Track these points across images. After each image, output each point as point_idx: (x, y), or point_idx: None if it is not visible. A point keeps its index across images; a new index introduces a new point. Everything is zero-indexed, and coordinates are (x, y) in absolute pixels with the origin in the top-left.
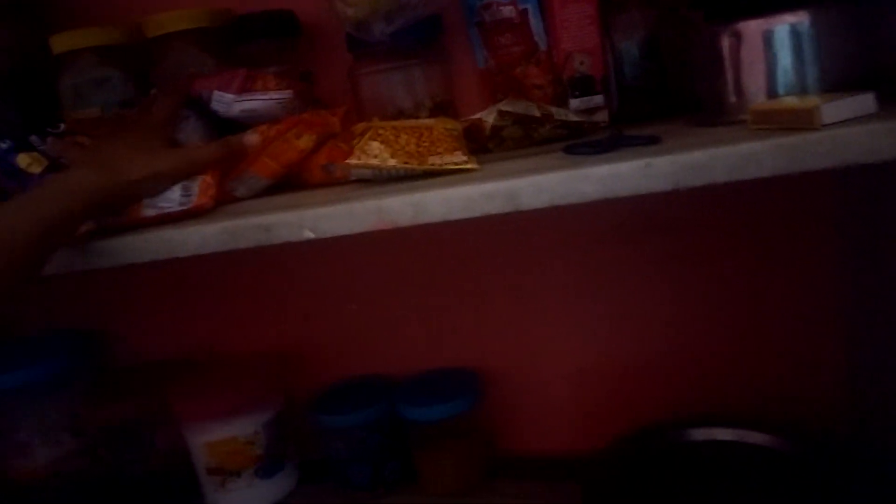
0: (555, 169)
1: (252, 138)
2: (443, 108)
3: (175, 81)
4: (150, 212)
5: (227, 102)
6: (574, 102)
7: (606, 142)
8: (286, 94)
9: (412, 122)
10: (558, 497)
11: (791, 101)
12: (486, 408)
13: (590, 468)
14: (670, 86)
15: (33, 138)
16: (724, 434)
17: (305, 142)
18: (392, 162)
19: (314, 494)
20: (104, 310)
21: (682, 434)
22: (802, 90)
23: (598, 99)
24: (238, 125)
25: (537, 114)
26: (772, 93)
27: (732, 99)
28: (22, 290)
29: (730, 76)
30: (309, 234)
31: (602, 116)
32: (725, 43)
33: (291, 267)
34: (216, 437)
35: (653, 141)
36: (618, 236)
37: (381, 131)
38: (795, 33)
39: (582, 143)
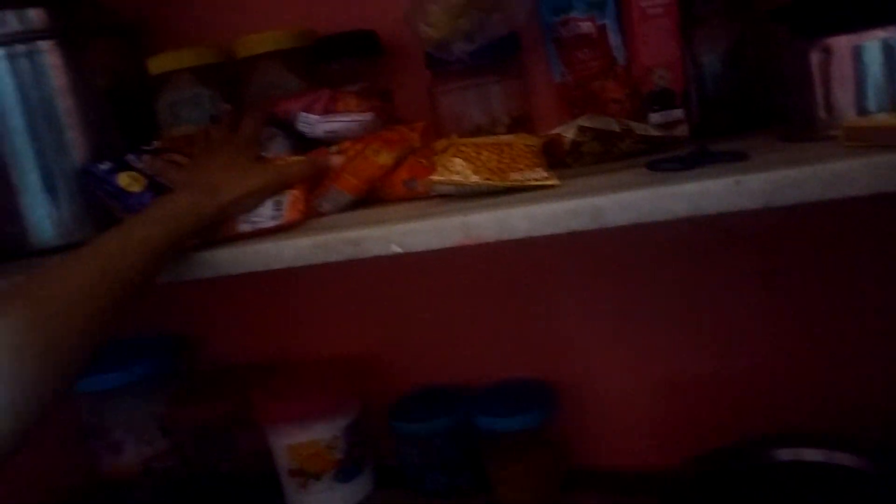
0: (640, 186)
1: (336, 159)
2: (520, 123)
3: (259, 101)
4: (245, 227)
5: (311, 123)
6: (654, 117)
7: (691, 157)
8: (367, 115)
9: (493, 138)
10: None
11: (886, 118)
12: (562, 420)
13: (669, 485)
14: (753, 99)
15: (130, 157)
16: (811, 455)
17: (385, 158)
18: (474, 178)
19: (390, 500)
20: (192, 316)
21: (767, 454)
22: (894, 107)
23: (678, 113)
24: (321, 143)
25: (617, 129)
26: (862, 109)
27: (821, 114)
28: (133, 305)
29: (819, 91)
30: (396, 249)
31: (682, 130)
32: (814, 58)
33: (371, 276)
34: (298, 440)
35: (740, 157)
36: (701, 250)
37: (462, 148)
38: (888, 48)
39: (665, 158)
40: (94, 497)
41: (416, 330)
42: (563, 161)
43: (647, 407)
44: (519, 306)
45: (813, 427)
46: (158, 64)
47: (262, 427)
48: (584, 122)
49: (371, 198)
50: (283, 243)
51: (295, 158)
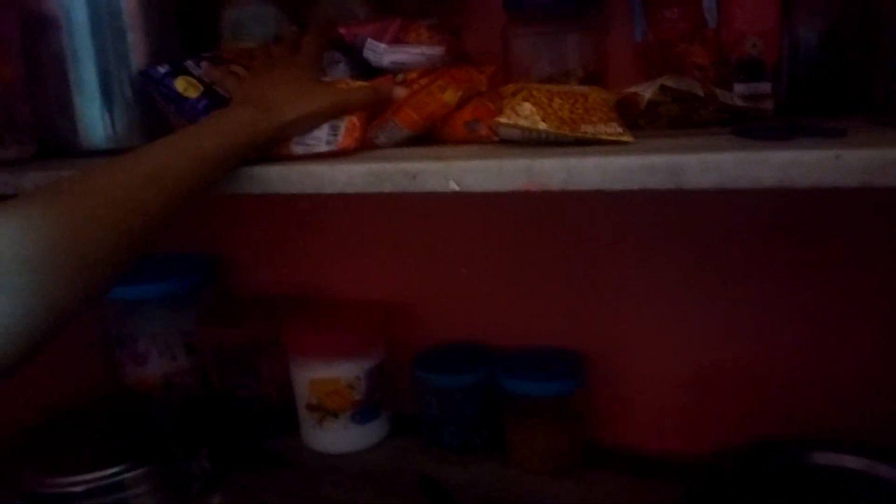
0: (726, 149)
1: (400, 91)
2: (593, 78)
3: (324, 21)
4: (298, 149)
5: (378, 52)
6: (739, 87)
7: (784, 128)
8: (437, 49)
9: (567, 87)
10: (654, 497)
11: None
12: (588, 393)
13: (696, 474)
14: (846, 82)
15: (189, 63)
16: (851, 462)
17: (450, 96)
18: (543, 125)
19: (404, 447)
20: (229, 237)
21: (804, 455)
22: None
23: (766, 86)
24: (386, 73)
25: (701, 93)
26: None
27: None
28: (180, 218)
29: None
30: (454, 186)
31: (768, 105)
32: None
33: (409, 219)
34: (320, 375)
35: (838, 133)
36: (753, 234)
37: (534, 93)
38: None
39: (756, 126)
40: (115, 407)
41: (451, 282)
42: (635, 122)
43: (677, 391)
44: (559, 271)
45: (854, 433)
46: None
47: (287, 358)
48: (667, 81)
49: (429, 137)
50: (337, 167)
51: (357, 83)
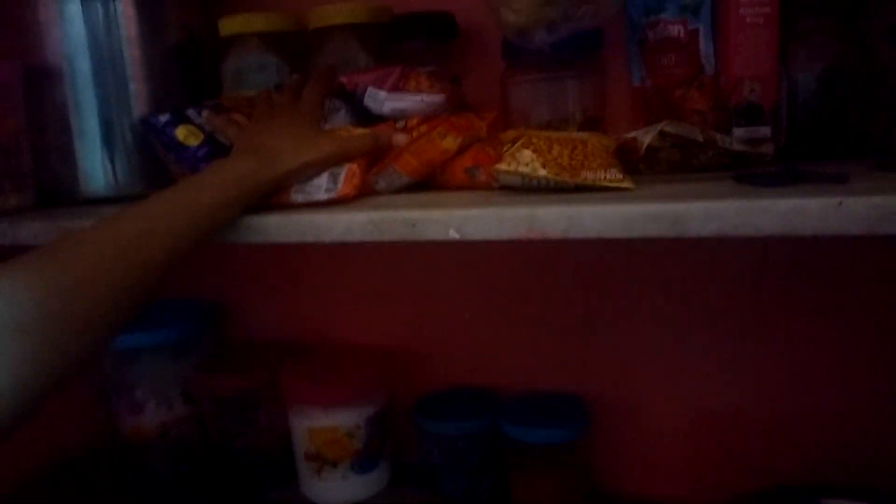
0: (727, 197)
1: (400, 138)
2: (593, 123)
3: (324, 68)
4: (298, 197)
5: (379, 99)
6: (738, 132)
7: (784, 174)
8: (438, 97)
9: (566, 133)
10: None
11: None
12: (592, 440)
13: None
14: (845, 126)
15: (190, 111)
16: None
17: (449, 143)
18: (543, 172)
19: (405, 497)
20: (228, 284)
21: (814, 502)
22: None
23: (765, 130)
24: (387, 120)
25: (700, 138)
26: None
27: None
28: (175, 272)
29: None
30: (454, 235)
31: (767, 149)
32: None
33: (408, 266)
34: (319, 424)
35: (840, 179)
36: (756, 278)
37: (534, 140)
38: None
39: (756, 173)
40: (112, 458)
41: (453, 327)
42: (635, 167)
43: (683, 437)
44: (563, 316)
45: (864, 479)
46: (229, 25)
47: (285, 406)
48: (666, 127)
49: (428, 183)
50: (337, 216)
51: (358, 131)
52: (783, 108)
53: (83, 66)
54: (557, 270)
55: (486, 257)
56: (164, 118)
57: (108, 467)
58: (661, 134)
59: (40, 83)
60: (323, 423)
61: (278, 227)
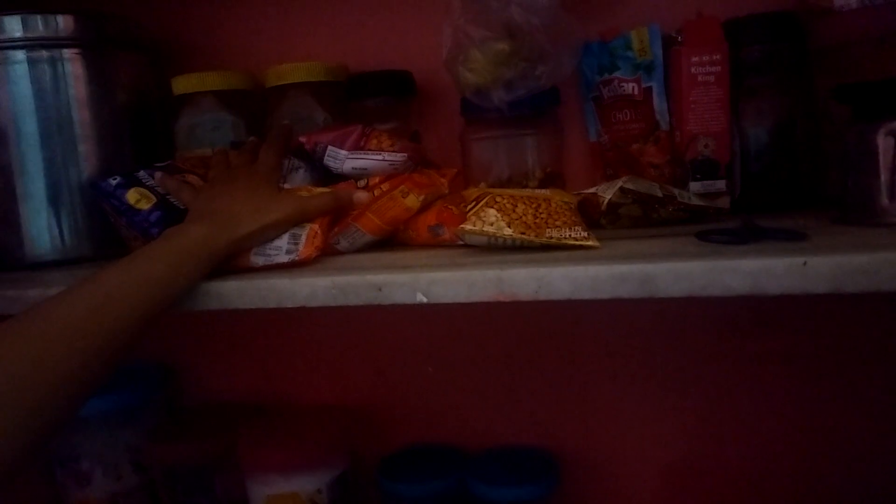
0: (694, 257)
1: (361, 196)
2: (552, 179)
3: (281, 128)
4: (258, 260)
5: (340, 158)
6: (695, 185)
7: (744, 232)
8: (400, 156)
9: (528, 191)
10: None
11: None
12: (563, 496)
13: None
14: (798, 178)
15: (141, 173)
16: None
17: (412, 201)
18: (508, 231)
19: None
20: (179, 346)
21: None
22: None
23: (721, 184)
24: (347, 179)
25: (659, 194)
26: None
27: (884, 201)
28: (139, 341)
29: (884, 177)
30: (422, 299)
31: (724, 203)
32: (880, 142)
33: (368, 322)
34: (279, 490)
35: (799, 236)
36: (725, 329)
37: (497, 198)
38: None
39: (716, 230)
40: None
41: (416, 383)
42: (596, 222)
43: (654, 489)
44: (526, 370)
45: None
46: (182, 84)
47: (243, 474)
48: (626, 184)
49: (391, 240)
50: (300, 280)
51: (318, 190)
52: (737, 162)
53: (30, 127)
54: (522, 326)
55: (450, 313)
56: (114, 181)
57: None
58: (622, 190)
59: None
60: (283, 489)
61: (238, 292)
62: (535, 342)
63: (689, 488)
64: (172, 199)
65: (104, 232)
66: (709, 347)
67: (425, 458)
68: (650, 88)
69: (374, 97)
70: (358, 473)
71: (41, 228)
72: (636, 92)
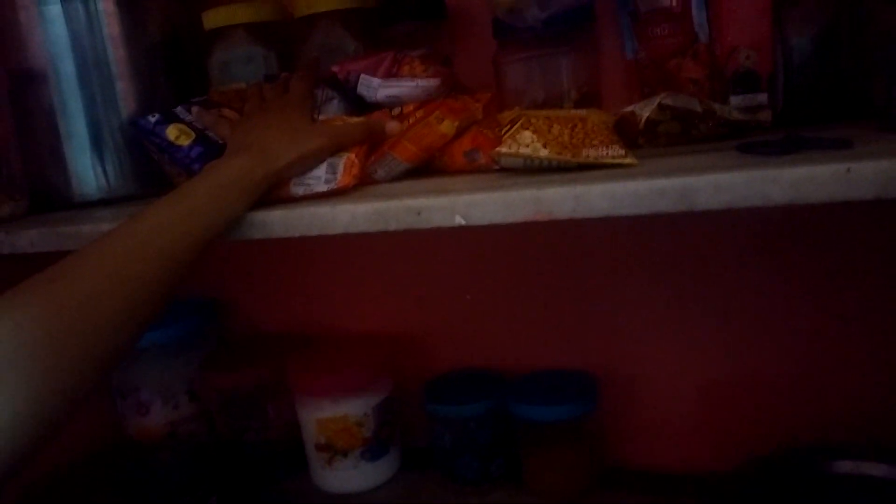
0: (734, 168)
1: (393, 126)
2: (588, 99)
3: (309, 60)
4: (298, 190)
5: (373, 87)
6: (735, 100)
7: (787, 142)
8: (433, 81)
9: (565, 112)
10: None
11: None
12: (602, 414)
13: (719, 490)
14: (844, 88)
15: (179, 109)
16: (873, 469)
17: (447, 127)
18: (544, 152)
19: (417, 482)
20: (229, 280)
21: (825, 464)
22: None
23: (762, 97)
24: (381, 107)
25: (699, 109)
26: None
27: None
28: (181, 282)
29: None
30: (461, 221)
31: (765, 116)
32: None
33: (408, 251)
34: (328, 414)
35: (844, 144)
36: (760, 247)
37: (533, 120)
38: None
39: (758, 142)
40: (119, 458)
41: (456, 310)
42: (634, 141)
43: (693, 408)
44: (566, 293)
45: (876, 439)
46: (213, 18)
47: (293, 398)
48: (665, 99)
49: (427, 168)
50: (340, 208)
51: (352, 120)
52: (780, 73)
53: (67, 68)
54: (559, 248)
55: (487, 239)
56: (153, 119)
57: (117, 469)
58: (660, 106)
59: (25, 88)
60: (332, 413)
61: (282, 222)
62: (572, 266)
63: (727, 403)
64: (210, 134)
65: (148, 170)
66: (745, 267)
67: (467, 381)
68: (688, 0)
69: (401, 23)
70: (403, 398)
71: (86, 168)
72: (674, 4)
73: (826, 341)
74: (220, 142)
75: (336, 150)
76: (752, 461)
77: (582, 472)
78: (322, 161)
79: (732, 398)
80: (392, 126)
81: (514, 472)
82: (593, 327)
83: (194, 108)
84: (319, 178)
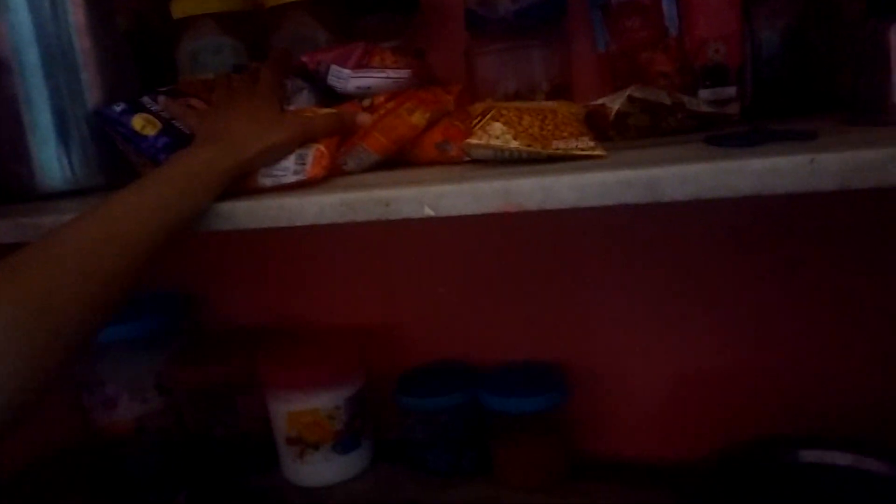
0: (701, 160)
1: (364, 118)
2: (559, 91)
3: (279, 51)
4: (266, 181)
5: (343, 78)
6: (704, 93)
7: (754, 134)
8: (404, 73)
9: (535, 103)
10: None
11: None
12: (572, 406)
13: (687, 479)
14: (811, 82)
15: (145, 99)
16: (838, 458)
17: (418, 118)
18: (514, 144)
19: (389, 475)
20: (197, 273)
21: (791, 454)
22: None
23: (731, 91)
24: (352, 99)
25: (668, 102)
26: None
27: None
28: (146, 271)
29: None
30: (429, 212)
31: (734, 109)
32: (893, 38)
33: (381, 243)
34: (298, 407)
35: (809, 136)
36: (729, 238)
37: (503, 111)
38: None
39: (726, 134)
40: (87, 454)
41: (427, 302)
42: (604, 133)
43: (662, 398)
44: (537, 285)
45: (840, 429)
46: (181, 7)
47: (263, 392)
48: (634, 92)
49: (398, 160)
50: (308, 199)
51: (322, 111)
52: (748, 67)
53: (31, 57)
54: (530, 241)
55: (457, 231)
56: (118, 108)
57: (84, 465)
58: (630, 99)
59: None
60: (302, 406)
61: (248, 213)
62: (542, 259)
63: (698, 395)
64: (178, 124)
65: (114, 161)
66: (715, 257)
67: (439, 374)
68: None
69: (373, 14)
70: (374, 390)
71: (50, 159)
72: None
73: (798, 331)
74: (188, 132)
75: (305, 140)
76: (717, 451)
77: (553, 463)
78: (291, 152)
79: (703, 388)
80: (363, 118)
81: (486, 464)
82: (564, 319)
83: (161, 98)
84: (288, 170)
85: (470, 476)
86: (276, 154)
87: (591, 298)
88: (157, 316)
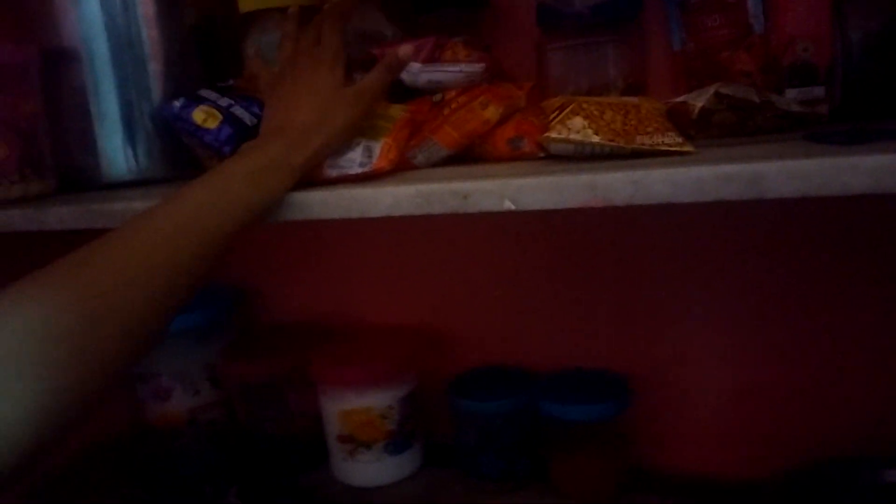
0: (806, 156)
1: (406, 48)
2: (634, 90)
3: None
4: (331, 172)
5: (414, 72)
6: (791, 92)
7: (859, 132)
8: (478, 66)
9: (616, 98)
10: None
11: None
12: (633, 416)
13: (750, 497)
14: None
15: (204, 92)
16: None
17: (491, 113)
18: (596, 138)
19: (440, 478)
20: (254, 268)
21: (873, 473)
22: None
23: (819, 91)
24: (422, 93)
25: (757, 100)
26: None
27: None
28: (219, 262)
29: None
30: (510, 206)
31: (822, 109)
32: None
33: (439, 243)
34: (351, 406)
35: None
36: (806, 246)
37: (584, 105)
38: None
39: (829, 131)
40: (139, 444)
41: (485, 304)
42: (685, 132)
43: (726, 411)
44: (599, 290)
45: None
46: (248, 1)
47: (316, 389)
48: (722, 88)
49: (466, 155)
50: (383, 189)
51: (393, 107)
52: (838, 67)
53: (100, 48)
54: (592, 245)
55: (518, 232)
56: (178, 103)
57: (136, 456)
58: (717, 95)
59: (57, 67)
60: (355, 404)
61: (321, 203)
62: (605, 263)
63: (762, 409)
64: (237, 112)
65: (178, 152)
66: (792, 268)
67: (494, 378)
68: None
69: (441, 9)
70: (427, 392)
71: (116, 149)
72: None
73: (871, 348)
74: (248, 122)
75: (365, 113)
76: (795, 470)
77: (611, 475)
78: (353, 134)
79: (769, 403)
80: (405, 49)
81: (541, 472)
82: (626, 326)
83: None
84: (354, 161)
85: (522, 483)
86: (339, 140)
87: (655, 305)
88: (211, 309)
